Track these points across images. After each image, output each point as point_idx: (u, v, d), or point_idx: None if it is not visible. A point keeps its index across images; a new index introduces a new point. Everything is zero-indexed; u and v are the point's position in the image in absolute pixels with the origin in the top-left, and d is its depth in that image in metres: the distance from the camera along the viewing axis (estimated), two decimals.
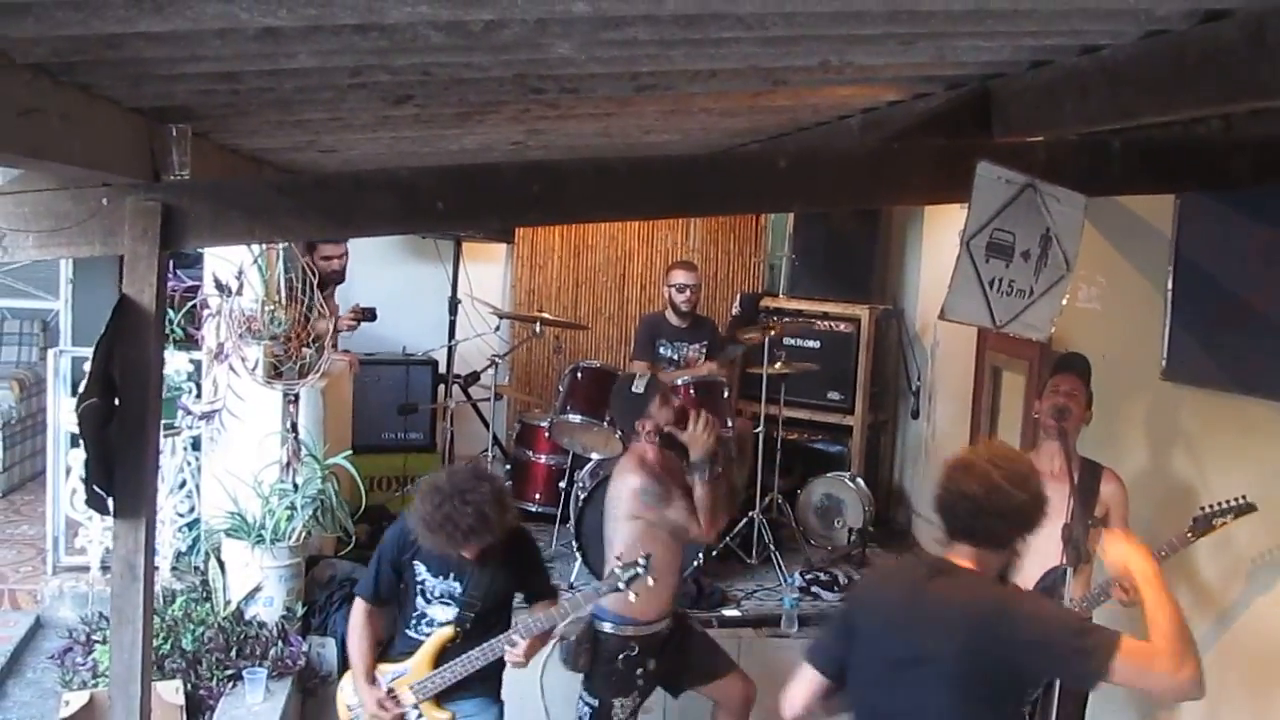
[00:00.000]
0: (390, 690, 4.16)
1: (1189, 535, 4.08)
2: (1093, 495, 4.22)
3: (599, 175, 3.10)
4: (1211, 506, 4.06)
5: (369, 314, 6.40)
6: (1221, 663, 4.39)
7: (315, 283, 5.34)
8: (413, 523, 3.97)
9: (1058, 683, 4.01)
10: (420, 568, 4.15)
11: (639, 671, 4.38)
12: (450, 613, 4.12)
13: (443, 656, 4.11)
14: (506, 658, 4.07)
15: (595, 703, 4.36)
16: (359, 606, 4.26)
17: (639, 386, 4.40)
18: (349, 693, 4.26)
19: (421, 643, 4.14)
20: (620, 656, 4.34)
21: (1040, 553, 4.25)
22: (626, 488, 4.34)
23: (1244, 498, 4.02)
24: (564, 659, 4.38)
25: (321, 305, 5.35)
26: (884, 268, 7.72)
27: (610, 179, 3.09)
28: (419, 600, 4.17)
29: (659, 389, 4.43)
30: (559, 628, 4.26)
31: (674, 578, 4.50)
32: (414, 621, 4.20)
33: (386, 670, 4.19)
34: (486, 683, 4.21)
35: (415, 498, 3.99)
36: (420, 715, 4.15)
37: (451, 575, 4.12)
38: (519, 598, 4.34)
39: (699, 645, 4.68)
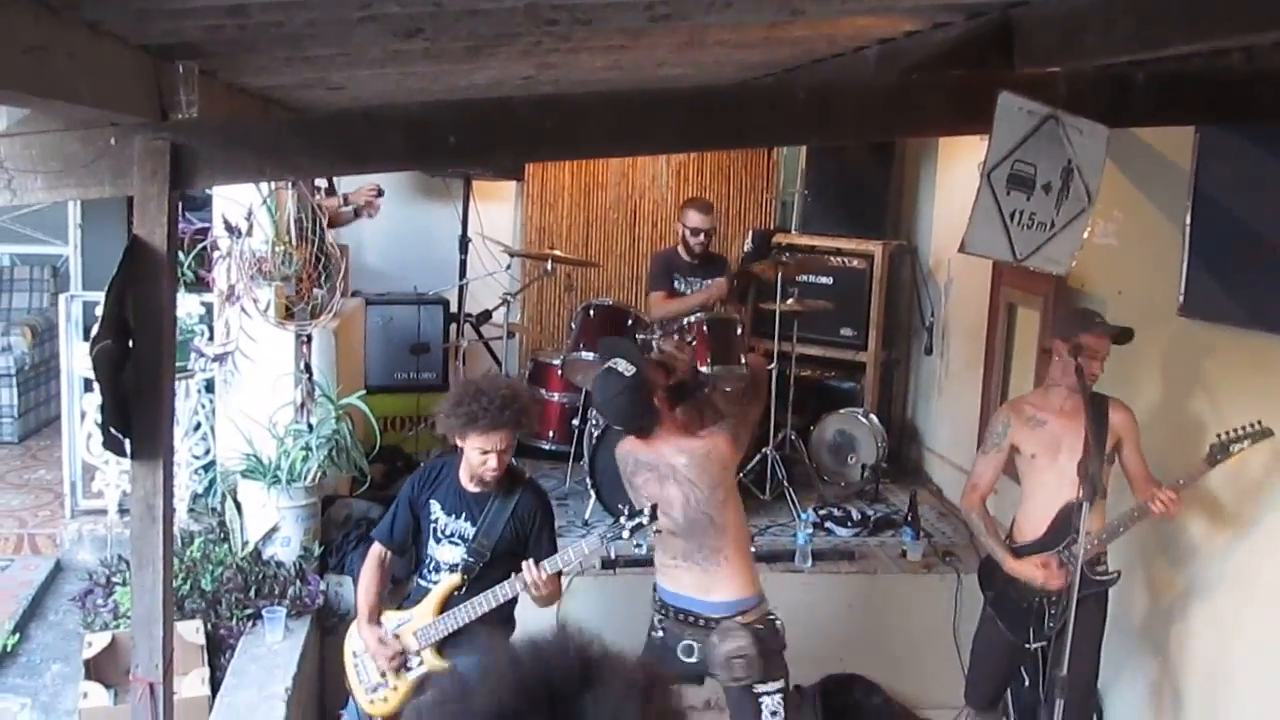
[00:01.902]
0: (395, 636, 4.19)
1: (1206, 464, 4.09)
2: (1104, 428, 4.22)
3: (613, 109, 3.06)
4: (1228, 433, 4.05)
5: (380, 190, 6.32)
6: (1238, 586, 4.40)
7: (325, 222, 5.31)
8: (445, 411, 4.03)
9: (1071, 624, 4.04)
10: (435, 506, 4.17)
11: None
12: (458, 554, 4.13)
13: (448, 604, 4.12)
14: (526, 577, 3.98)
15: (781, 683, 4.12)
16: (373, 550, 4.30)
17: (626, 369, 4.05)
18: (354, 639, 4.30)
19: (430, 590, 4.18)
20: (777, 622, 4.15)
21: (1055, 489, 4.30)
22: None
23: (1260, 423, 4.01)
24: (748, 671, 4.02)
25: (333, 245, 5.32)
26: (898, 204, 7.65)
27: (625, 113, 3.04)
28: (431, 544, 4.19)
29: (643, 359, 4.17)
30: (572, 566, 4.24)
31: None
32: (425, 569, 4.23)
33: (392, 618, 4.22)
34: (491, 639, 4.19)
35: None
36: (420, 663, 4.17)
37: (464, 515, 4.14)
38: None
39: None
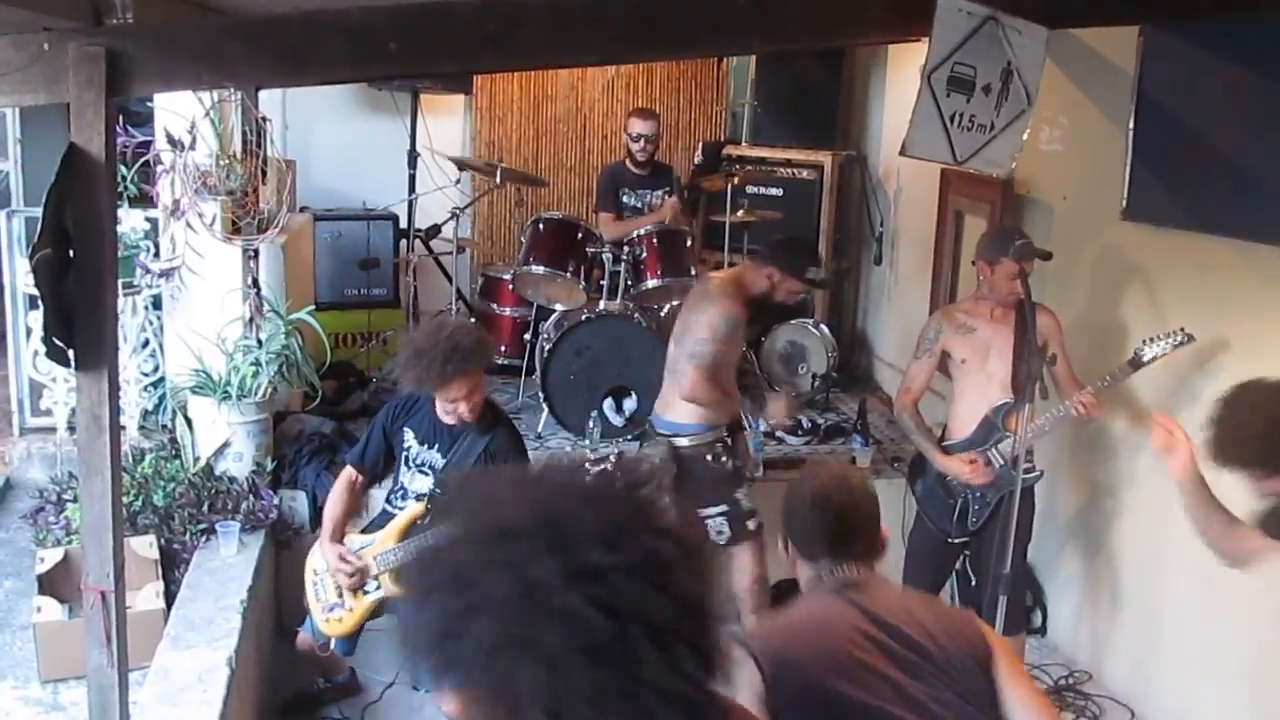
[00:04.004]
0: (357, 556, 4.23)
1: (1130, 366, 4.22)
2: (1034, 331, 4.33)
3: (556, 16, 3.03)
4: (1153, 339, 4.17)
5: None
6: (1161, 474, 4.50)
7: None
8: (398, 375, 4.03)
9: (1014, 520, 4.16)
10: (409, 434, 4.20)
11: (731, 462, 4.68)
12: (426, 484, 4.16)
13: (410, 532, 4.15)
14: None
15: (724, 507, 4.55)
16: (344, 473, 4.34)
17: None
18: (316, 558, 4.33)
19: (395, 516, 4.21)
20: (709, 456, 4.60)
21: (984, 391, 4.46)
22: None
23: (1183, 329, 4.13)
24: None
25: (279, 158, 5.25)
26: (847, 114, 7.66)
27: (567, 20, 3.02)
28: (402, 470, 4.22)
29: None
30: None
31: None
32: (394, 495, 4.26)
33: (355, 540, 4.26)
34: None
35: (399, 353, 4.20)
36: (379, 587, 4.21)
37: (436, 446, 4.16)
38: None
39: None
